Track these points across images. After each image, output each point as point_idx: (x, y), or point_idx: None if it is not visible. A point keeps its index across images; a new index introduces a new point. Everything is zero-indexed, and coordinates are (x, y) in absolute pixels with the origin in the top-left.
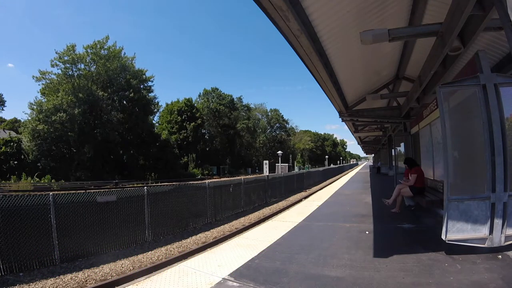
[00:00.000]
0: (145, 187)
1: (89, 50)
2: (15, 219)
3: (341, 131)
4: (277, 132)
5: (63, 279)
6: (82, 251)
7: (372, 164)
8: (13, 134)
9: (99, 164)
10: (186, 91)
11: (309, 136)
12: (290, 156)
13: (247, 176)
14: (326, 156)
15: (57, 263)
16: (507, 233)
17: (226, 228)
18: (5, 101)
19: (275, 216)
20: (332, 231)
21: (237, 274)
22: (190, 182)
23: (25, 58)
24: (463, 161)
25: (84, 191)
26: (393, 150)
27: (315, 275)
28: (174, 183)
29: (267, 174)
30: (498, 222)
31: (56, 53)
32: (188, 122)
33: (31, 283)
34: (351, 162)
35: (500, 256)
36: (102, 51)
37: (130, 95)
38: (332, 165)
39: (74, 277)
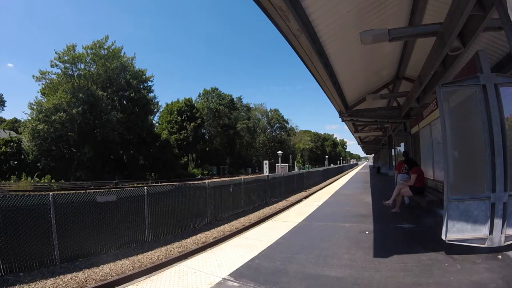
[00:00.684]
0: (145, 187)
1: (89, 50)
2: (15, 219)
3: (341, 131)
4: (277, 132)
5: (63, 279)
6: (82, 251)
7: (372, 164)
8: (13, 134)
9: (99, 164)
10: (186, 91)
11: (309, 136)
12: (290, 156)
13: (247, 176)
14: (326, 156)
15: (57, 263)
16: (507, 233)
17: (226, 228)
18: (5, 101)
19: (275, 216)
20: (332, 231)
21: (237, 274)
22: (190, 182)
23: (25, 58)
24: (463, 161)
25: (84, 191)
26: (393, 150)
27: (315, 275)
28: (174, 183)
29: (267, 174)
30: (498, 222)
31: (56, 53)
32: (188, 122)
33: (31, 283)
34: (351, 162)
35: (500, 256)
36: (102, 51)
37: (130, 95)
38: (332, 165)
39: (74, 277)
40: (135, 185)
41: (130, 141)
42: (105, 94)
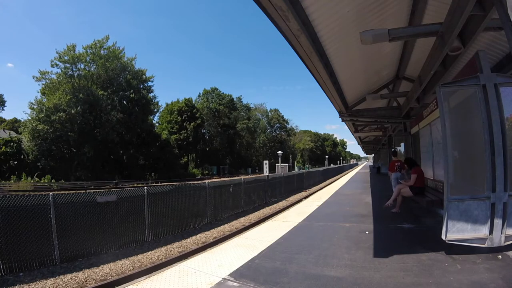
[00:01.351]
0: (145, 187)
1: (89, 50)
2: (15, 219)
3: (341, 131)
4: (277, 132)
5: (63, 279)
6: (82, 251)
7: (372, 164)
8: (13, 134)
9: (99, 164)
10: (186, 91)
11: (309, 136)
12: (290, 156)
13: (247, 176)
14: (326, 156)
15: (57, 263)
16: (507, 233)
17: (226, 228)
18: (5, 101)
19: (275, 216)
20: (332, 231)
21: (237, 274)
22: (190, 182)
23: (24, 58)
24: (463, 161)
25: (84, 191)
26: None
27: (315, 275)
28: (174, 183)
29: (267, 174)
30: (498, 222)
31: (56, 53)
32: (188, 122)
33: (31, 283)
34: (351, 162)
35: (500, 256)
36: (102, 51)
37: (130, 95)
38: (332, 165)
39: (74, 277)
40: (135, 185)
41: (130, 141)
42: (105, 94)
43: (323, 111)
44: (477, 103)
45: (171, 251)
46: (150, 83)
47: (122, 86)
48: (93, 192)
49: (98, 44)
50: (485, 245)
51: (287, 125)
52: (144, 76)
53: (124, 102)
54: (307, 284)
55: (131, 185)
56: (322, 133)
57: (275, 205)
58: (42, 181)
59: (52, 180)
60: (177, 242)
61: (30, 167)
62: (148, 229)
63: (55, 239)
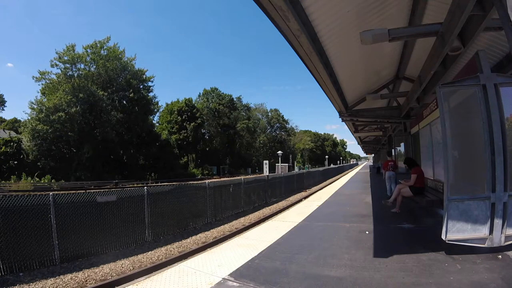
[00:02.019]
0: (145, 187)
1: (89, 50)
2: (15, 219)
3: (341, 131)
4: (277, 132)
5: (63, 279)
6: (82, 251)
7: (372, 164)
8: (13, 134)
9: (99, 164)
10: (186, 91)
11: (309, 136)
12: (290, 156)
13: (247, 176)
14: (326, 156)
15: (57, 263)
16: (507, 233)
17: (226, 228)
18: (6, 101)
19: (275, 216)
20: (332, 231)
21: (237, 274)
22: (190, 182)
23: (24, 58)
24: (463, 161)
25: (84, 191)
26: (393, 150)
27: (315, 275)
28: (174, 183)
29: (267, 174)
30: (498, 222)
31: (56, 53)
32: (188, 122)
33: (31, 283)
34: (351, 162)
35: (500, 256)
36: (102, 51)
37: (130, 95)
38: (332, 165)
39: (74, 277)
40: (135, 185)
41: (130, 141)
42: (105, 94)
43: (323, 111)
44: (477, 103)
45: (171, 251)
46: (150, 83)
47: (122, 86)
48: (93, 192)
49: (98, 45)
50: (485, 245)
51: (287, 125)
52: (144, 76)
53: (124, 102)
54: (307, 284)
55: (131, 185)
56: (322, 133)
57: (275, 205)
58: (42, 181)
59: (52, 180)
60: (177, 242)
61: (30, 167)
62: (148, 229)
63: (55, 239)
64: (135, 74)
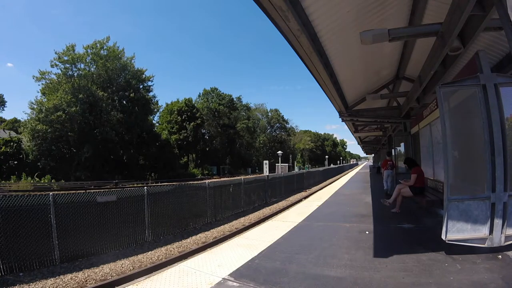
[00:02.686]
0: (145, 187)
1: (89, 50)
2: (15, 219)
3: (341, 131)
4: (277, 132)
5: (63, 279)
6: (82, 251)
7: (372, 164)
8: (13, 134)
9: (99, 164)
10: (186, 91)
11: (309, 136)
12: (290, 156)
13: (247, 176)
14: (326, 156)
15: (57, 263)
16: (507, 233)
17: (226, 228)
18: (6, 101)
19: (275, 216)
20: (332, 231)
21: (237, 274)
22: (190, 182)
23: (24, 58)
24: (463, 161)
25: (84, 191)
26: (393, 150)
27: (315, 275)
28: (174, 183)
29: (267, 174)
30: (498, 222)
31: (56, 53)
32: (188, 122)
33: (31, 283)
34: (351, 162)
35: (500, 256)
36: (102, 51)
37: (131, 95)
38: (332, 165)
39: (74, 277)
40: (135, 185)
41: (130, 141)
42: (105, 94)
43: (323, 111)
44: (477, 103)
45: (171, 251)
46: (150, 83)
47: (122, 86)
48: (93, 192)
49: (98, 45)
50: (485, 245)
51: (287, 125)
52: (143, 76)
53: (124, 102)
54: (307, 284)
55: (131, 185)
56: (322, 133)
57: (275, 205)
58: (42, 181)
59: (52, 180)
60: (177, 242)
61: (30, 167)
62: (148, 229)
63: (55, 239)
64: (134, 73)
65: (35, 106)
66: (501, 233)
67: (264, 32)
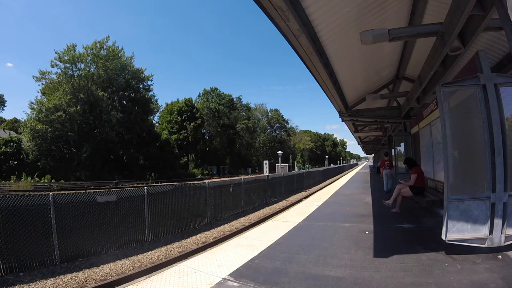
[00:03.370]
0: (145, 187)
1: (89, 51)
2: (15, 219)
3: (341, 131)
4: (277, 132)
5: (63, 279)
6: (82, 251)
7: (372, 164)
8: (13, 134)
9: (99, 164)
10: (186, 91)
11: (309, 136)
12: (290, 156)
13: (247, 176)
14: (326, 156)
15: (57, 263)
16: (507, 233)
17: (226, 228)
18: (6, 101)
19: (275, 216)
20: (332, 231)
21: (237, 274)
22: (190, 182)
23: (24, 58)
24: (463, 161)
25: (84, 191)
26: (393, 150)
27: (315, 275)
28: (174, 183)
29: (267, 174)
30: (498, 222)
31: (56, 53)
32: (188, 122)
33: (31, 283)
34: (351, 162)
35: (500, 256)
36: (102, 51)
37: (131, 94)
38: (332, 165)
39: (74, 277)
40: (135, 185)
41: (130, 141)
42: (105, 94)
43: (323, 111)
44: (477, 103)
45: (171, 251)
46: (149, 82)
47: (122, 86)
48: (93, 192)
49: (98, 45)
50: (485, 245)
51: (287, 125)
52: (143, 75)
53: (124, 102)
54: (307, 284)
55: (131, 185)
56: (322, 133)
57: (275, 205)
58: (42, 181)
59: (52, 180)
60: (177, 242)
61: (30, 167)
62: (148, 229)
63: (55, 239)
64: (134, 73)
65: (35, 106)
66: (501, 233)
67: (264, 32)
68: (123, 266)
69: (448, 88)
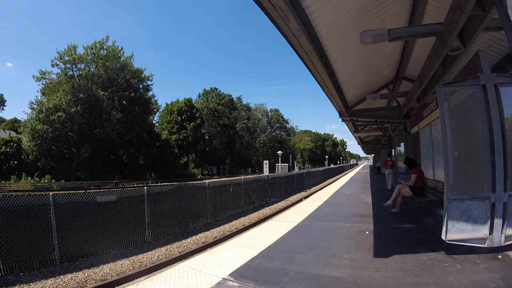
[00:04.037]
0: (145, 187)
1: (89, 51)
2: (15, 219)
3: (341, 131)
4: (277, 132)
5: (63, 279)
6: (82, 251)
7: (372, 164)
8: (13, 134)
9: (99, 164)
10: (186, 91)
11: (309, 136)
12: (290, 156)
13: (247, 176)
14: (326, 156)
15: (57, 263)
16: (507, 233)
17: (226, 228)
18: (6, 100)
19: (275, 216)
20: (332, 231)
21: (237, 274)
22: (190, 182)
23: (24, 58)
24: (463, 161)
25: (84, 191)
26: (393, 150)
27: (315, 275)
28: (174, 183)
29: (267, 174)
30: (498, 222)
31: (57, 53)
32: (188, 122)
33: (31, 283)
34: (351, 162)
35: (500, 256)
36: (102, 51)
37: (131, 94)
38: (332, 165)
39: (74, 277)
40: (135, 185)
41: (130, 141)
42: (105, 94)
43: (323, 111)
44: (477, 103)
45: (171, 251)
46: (149, 82)
47: (122, 86)
48: (93, 192)
49: (98, 45)
50: (485, 245)
51: (287, 125)
52: (142, 75)
53: (124, 102)
54: (307, 284)
55: (131, 185)
56: (322, 133)
57: (275, 205)
58: (42, 181)
59: (52, 180)
60: (177, 242)
61: (30, 167)
62: (148, 229)
63: (55, 239)
64: (134, 73)
65: (35, 106)
66: (501, 233)
67: (264, 32)
68: (123, 266)
69: (448, 88)
